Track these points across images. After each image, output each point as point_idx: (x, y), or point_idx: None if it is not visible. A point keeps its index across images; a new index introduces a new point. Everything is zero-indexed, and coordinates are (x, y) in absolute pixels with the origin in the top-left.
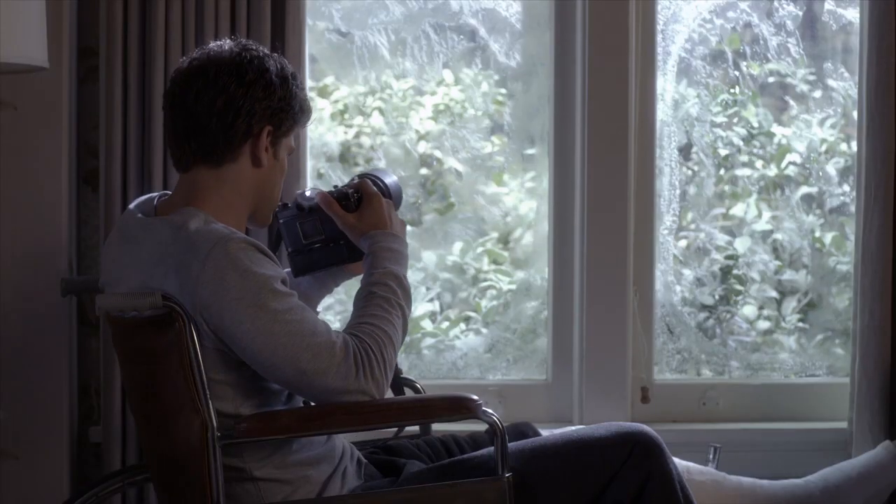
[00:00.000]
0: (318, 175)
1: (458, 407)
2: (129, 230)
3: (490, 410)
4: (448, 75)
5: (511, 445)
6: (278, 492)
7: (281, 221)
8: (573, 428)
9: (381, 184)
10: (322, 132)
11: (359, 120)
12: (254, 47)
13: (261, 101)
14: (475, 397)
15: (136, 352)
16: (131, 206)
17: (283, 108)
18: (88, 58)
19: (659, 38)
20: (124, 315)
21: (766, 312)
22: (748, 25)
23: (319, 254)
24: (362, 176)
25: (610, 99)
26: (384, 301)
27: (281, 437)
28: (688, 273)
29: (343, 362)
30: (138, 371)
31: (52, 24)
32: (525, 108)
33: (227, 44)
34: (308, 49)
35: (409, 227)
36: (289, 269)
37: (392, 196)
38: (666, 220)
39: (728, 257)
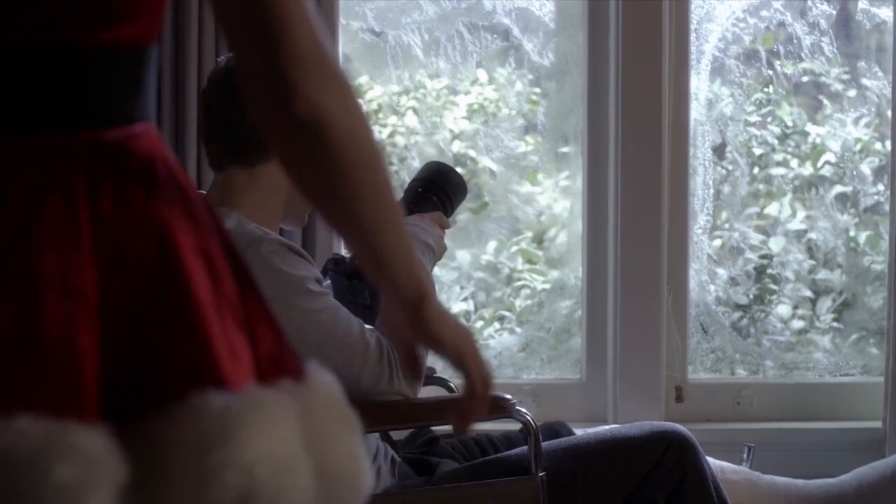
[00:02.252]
0: None
1: (492, 406)
2: None
3: (523, 409)
4: (482, 75)
5: (545, 445)
6: None
7: (330, 274)
8: (607, 427)
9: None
10: None
11: (393, 119)
12: None
13: None
14: (508, 396)
15: None
16: None
17: None
18: None
19: (692, 37)
20: None
21: (800, 312)
22: (781, 24)
23: (363, 312)
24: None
25: (643, 98)
26: None
27: None
28: (722, 272)
29: (377, 363)
30: None
31: None
32: (559, 107)
33: None
34: (342, 49)
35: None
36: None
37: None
38: (700, 220)
39: (762, 256)
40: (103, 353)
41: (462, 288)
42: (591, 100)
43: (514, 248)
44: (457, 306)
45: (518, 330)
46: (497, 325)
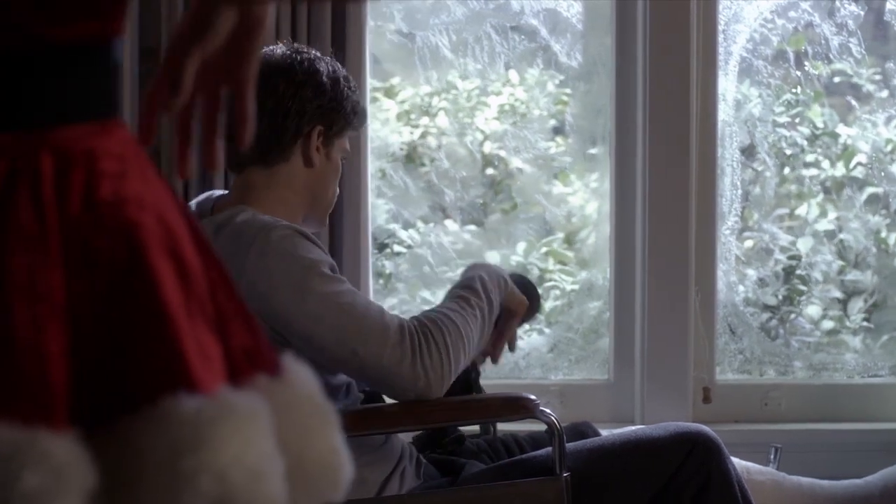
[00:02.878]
0: (382, 175)
1: (516, 406)
2: None
3: (548, 410)
4: (514, 75)
5: (570, 445)
6: None
7: None
8: (632, 428)
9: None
10: (386, 133)
11: (424, 120)
12: (305, 50)
13: (311, 101)
14: (532, 397)
15: None
16: (190, 204)
17: (335, 108)
18: (150, 58)
19: (720, 38)
20: None
21: (830, 312)
22: (810, 25)
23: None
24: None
25: (671, 99)
26: (464, 301)
27: None
28: (750, 273)
29: (398, 345)
30: None
31: None
32: (587, 108)
33: (279, 48)
34: (370, 50)
35: (473, 227)
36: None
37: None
38: (728, 221)
39: (791, 257)
40: (72, 357)
41: None
42: (618, 101)
43: (544, 249)
44: None
45: (546, 330)
46: (526, 325)
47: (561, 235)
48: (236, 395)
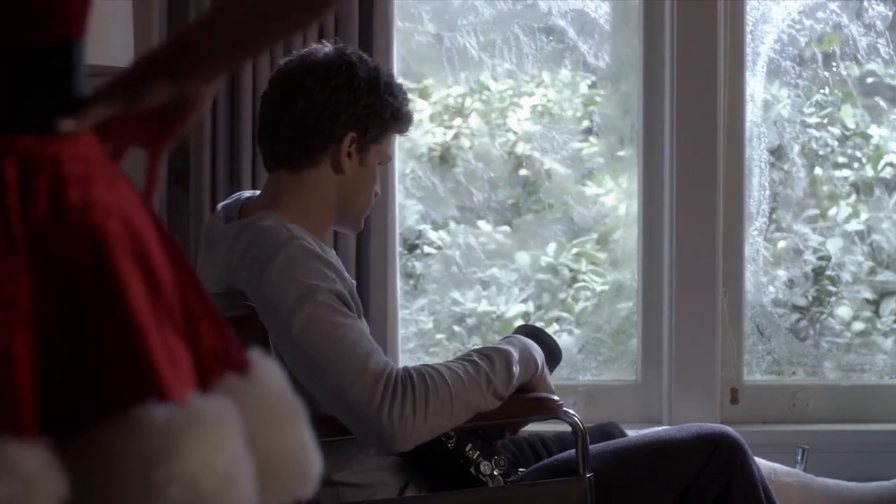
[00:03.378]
0: (413, 175)
1: (539, 407)
2: (211, 234)
3: (571, 411)
4: (546, 76)
5: (594, 447)
6: (356, 496)
7: None
8: (657, 429)
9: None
10: (419, 134)
11: (457, 121)
12: (350, 52)
13: (345, 106)
14: (556, 397)
15: None
16: (218, 206)
17: (370, 114)
18: None
19: (748, 38)
20: None
21: (861, 313)
22: (837, 26)
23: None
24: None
25: (699, 100)
26: (472, 365)
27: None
28: (779, 274)
29: (369, 388)
30: None
31: (142, 25)
32: (615, 109)
33: (326, 48)
34: (397, 51)
35: (505, 228)
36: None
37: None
38: (756, 222)
39: (821, 258)
40: (39, 365)
41: (521, 289)
42: (646, 102)
43: (574, 250)
44: (515, 307)
45: (576, 331)
46: (556, 326)
47: (592, 236)
48: (204, 402)
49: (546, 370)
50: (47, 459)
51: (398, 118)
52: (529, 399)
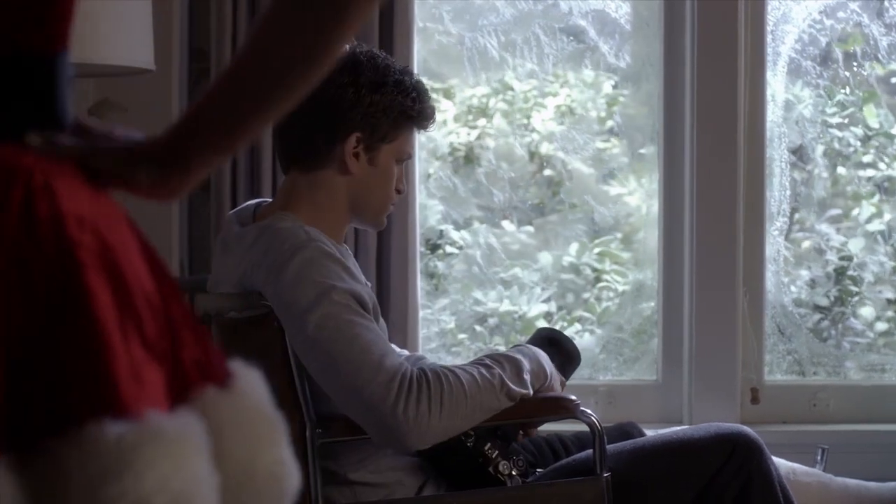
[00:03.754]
0: (436, 176)
1: (556, 407)
2: (225, 239)
3: (588, 410)
4: (569, 77)
5: (611, 447)
6: (373, 495)
7: None
8: (675, 429)
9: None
10: (442, 134)
11: (481, 121)
12: (361, 51)
13: (350, 106)
14: (573, 397)
15: (238, 352)
16: (231, 213)
17: (376, 113)
18: (200, 60)
19: (768, 38)
20: (224, 316)
21: (883, 314)
22: (858, 26)
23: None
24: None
25: (719, 100)
26: (486, 368)
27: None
28: (800, 274)
29: (385, 385)
30: None
31: (162, 26)
32: (639, 109)
33: None
34: (418, 51)
35: (529, 228)
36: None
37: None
38: (777, 222)
39: (843, 258)
40: (5, 380)
41: (543, 289)
42: (666, 102)
43: (597, 250)
44: (537, 307)
45: (597, 331)
46: (578, 325)
47: (614, 236)
48: (164, 419)
49: (557, 377)
50: (6, 476)
51: (410, 115)
52: (547, 399)
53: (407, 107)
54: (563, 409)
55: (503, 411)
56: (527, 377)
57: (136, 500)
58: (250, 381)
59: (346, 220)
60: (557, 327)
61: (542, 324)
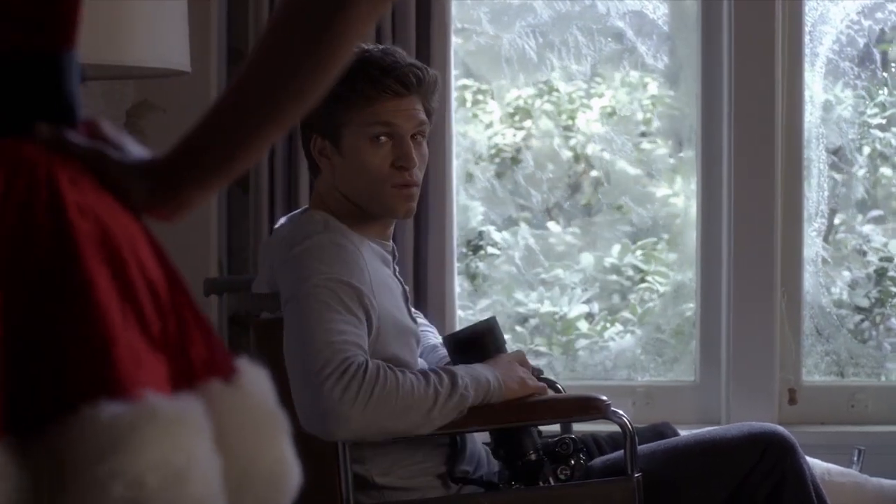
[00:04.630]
0: (475, 176)
1: (587, 407)
2: (265, 241)
3: (620, 411)
4: (613, 78)
5: (644, 447)
6: (403, 497)
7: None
8: (708, 429)
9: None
10: (485, 135)
11: (526, 123)
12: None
13: (314, 112)
14: (604, 398)
15: (271, 353)
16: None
17: (326, 111)
18: (238, 60)
19: (806, 39)
20: (259, 317)
21: None
22: None
23: None
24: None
25: (757, 101)
26: (428, 375)
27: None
28: (840, 275)
29: (325, 361)
30: (274, 372)
31: (200, 27)
32: (676, 110)
33: None
34: (454, 51)
35: (570, 228)
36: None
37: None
38: (815, 223)
39: (883, 259)
40: (7, 365)
41: (584, 290)
42: (704, 103)
43: (638, 252)
44: (578, 308)
45: (637, 332)
46: (619, 326)
47: (656, 237)
48: (162, 400)
49: (501, 376)
50: (10, 457)
51: (354, 89)
52: (577, 399)
53: (348, 83)
54: (594, 409)
55: (535, 413)
56: (465, 386)
57: (130, 478)
58: (255, 378)
59: (362, 215)
60: (598, 328)
61: (583, 325)
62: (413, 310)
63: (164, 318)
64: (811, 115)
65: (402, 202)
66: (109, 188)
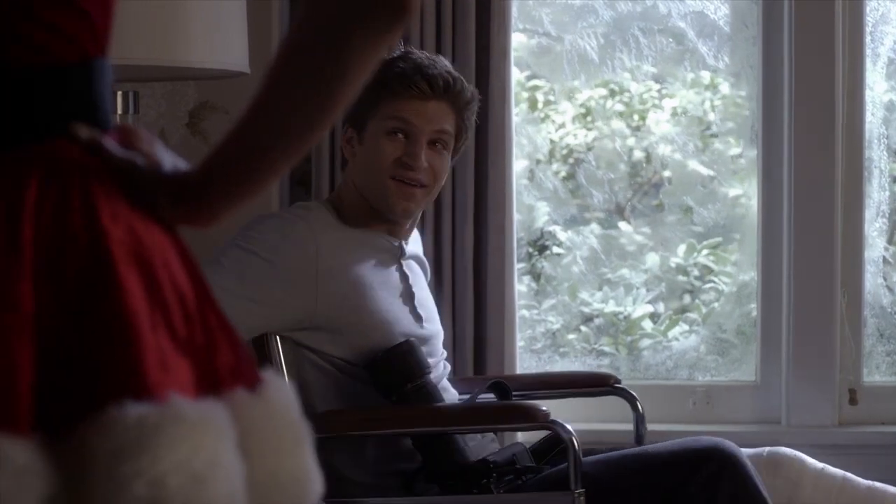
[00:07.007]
0: (530, 176)
1: (524, 416)
2: None
3: (562, 421)
4: (684, 78)
5: (588, 458)
6: (363, 494)
7: None
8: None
9: None
10: (555, 135)
11: (598, 123)
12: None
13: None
14: (544, 407)
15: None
16: None
17: (357, 104)
18: None
19: (867, 39)
20: None
21: None
22: None
23: None
24: None
25: (817, 101)
26: None
27: (332, 436)
28: None
29: None
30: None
31: (260, 28)
32: (737, 110)
33: None
34: (515, 52)
35: (638, 228)
36: None
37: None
38: (877, 223)
39: None
40: (38, 365)
41: (649, 290)
42: (765, 103)
43: (704, 251)
44: (642, 308)
45: (700, 332)
46: (685, 326)
47: (724, 237)
48: (188, 403)
49: None
50: (39, 456)
51: (390, 87)
52: (513, 407)
53: (382, 78)
54: (531, 418)
55: (468, 420)
56: None
57: (151, 479)
58: (280, 389)
59: (371, 209)
60: (662, 328)
61: (647, 325)
62: (423, 314)
63: (192, 325)
64: (873, 115)
65: (399, 199)
66: (140, 198)
